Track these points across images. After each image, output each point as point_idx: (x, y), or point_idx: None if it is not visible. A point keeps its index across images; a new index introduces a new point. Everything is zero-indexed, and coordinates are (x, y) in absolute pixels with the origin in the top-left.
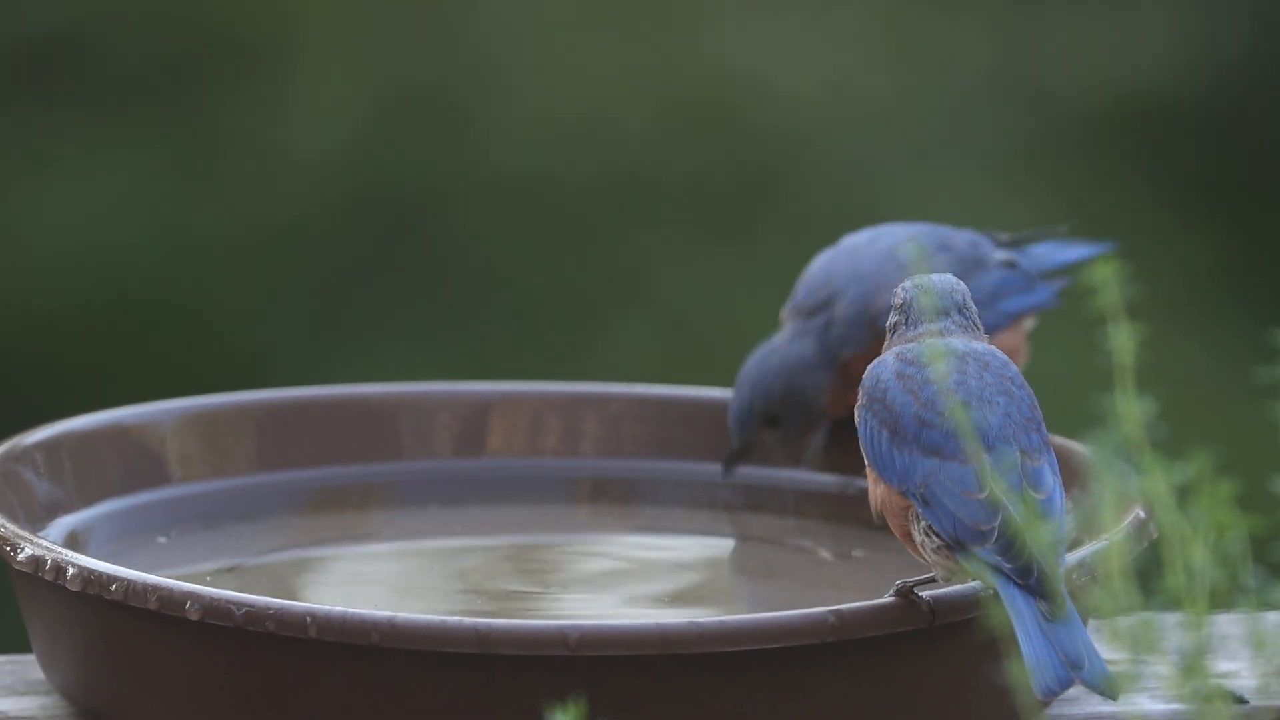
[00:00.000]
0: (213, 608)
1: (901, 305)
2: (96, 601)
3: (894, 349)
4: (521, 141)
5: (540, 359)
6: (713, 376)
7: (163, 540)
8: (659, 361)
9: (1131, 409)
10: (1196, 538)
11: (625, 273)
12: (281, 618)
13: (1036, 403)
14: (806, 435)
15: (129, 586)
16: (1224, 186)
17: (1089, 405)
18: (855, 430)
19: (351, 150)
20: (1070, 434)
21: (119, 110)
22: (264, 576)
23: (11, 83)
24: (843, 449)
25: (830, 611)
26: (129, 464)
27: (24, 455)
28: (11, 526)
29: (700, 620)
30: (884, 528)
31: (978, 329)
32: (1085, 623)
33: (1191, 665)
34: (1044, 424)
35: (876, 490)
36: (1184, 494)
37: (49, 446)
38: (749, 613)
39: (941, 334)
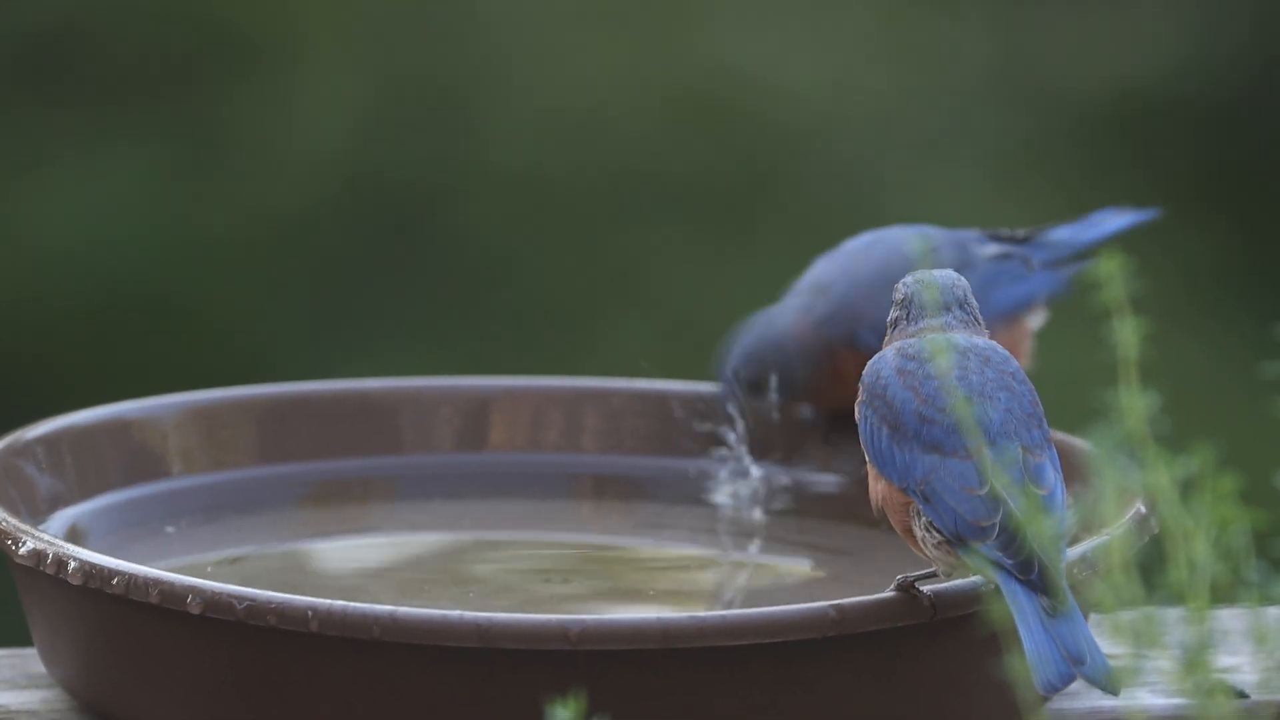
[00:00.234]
0: (214, 602)
1: (903, 300)
2: (98, 595)
3: (895, 344)
4: (522, 138)
5: (541, 355)
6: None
7: (164, 534)
8: (659, 358)
9: (1135, 403)
10: (1198, 532)
11: (626, 269)
12: (283, 612)
13: (1038, 398)
14: (792, 407)
15: (130, 580)
16: (1224, 184)
17: (1090, 400)
18: (853, 424)
19: (352, 147)
20: (1071, 429)
21: (119, 106)
22: (265, 570)
23: (12, 78)
24: (841, 442)
25: (831, 606)
26: (130, 458)
27: (25, 449)
28: (13, 521)
29: (701, 614)
30: (884, 523)
31: (979, 324)
32: (1087, 617)
33: (1193, 660)
34: (1045, 419)
35: (877, 487)
36: (1186, 489)
37: (50, 441)
38: (750, 607)
39: (943, 329)
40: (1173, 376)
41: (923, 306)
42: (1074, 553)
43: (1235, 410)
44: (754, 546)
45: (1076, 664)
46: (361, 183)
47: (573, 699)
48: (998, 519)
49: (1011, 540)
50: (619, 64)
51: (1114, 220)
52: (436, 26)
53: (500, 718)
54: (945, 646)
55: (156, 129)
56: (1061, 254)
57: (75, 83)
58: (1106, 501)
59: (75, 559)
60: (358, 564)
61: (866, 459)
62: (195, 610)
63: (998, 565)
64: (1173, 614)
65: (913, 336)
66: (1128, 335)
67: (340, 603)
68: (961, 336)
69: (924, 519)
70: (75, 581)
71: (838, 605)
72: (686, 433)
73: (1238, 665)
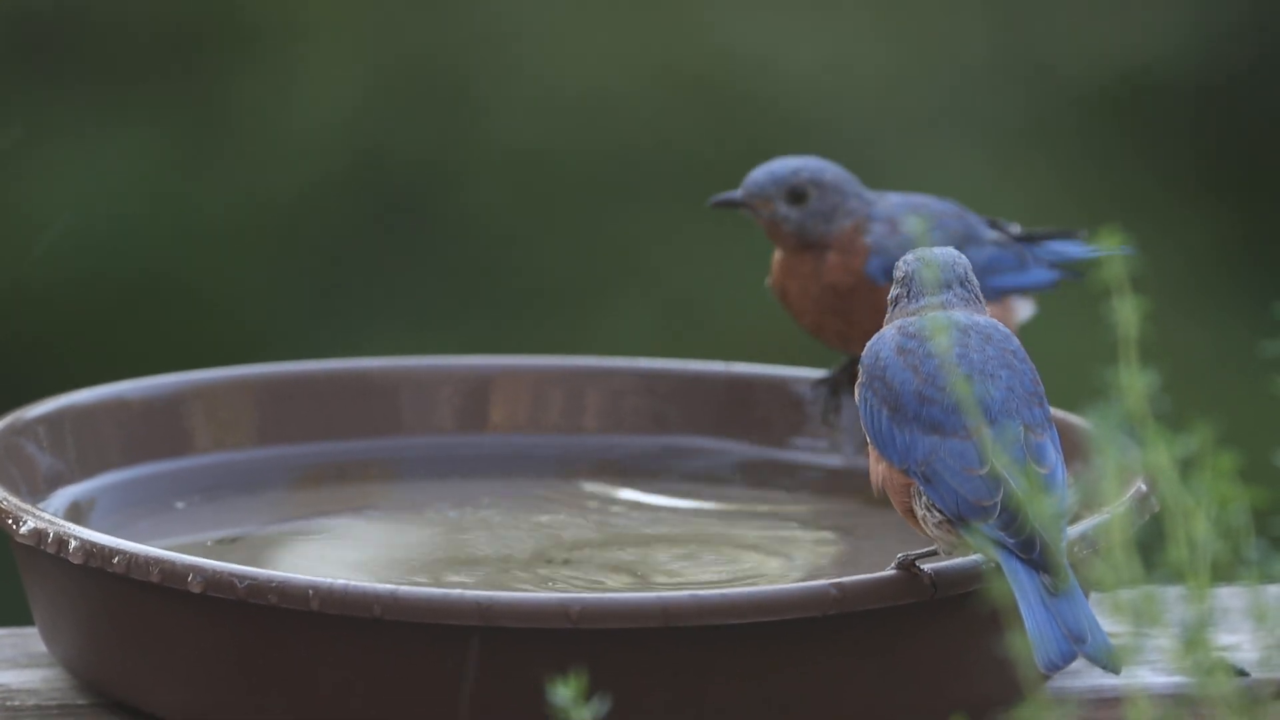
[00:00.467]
0: (215, 580)
1: (903, 278)
2: (99, 574)
3: (895, 322)
4: (524, 119)
5: (542, 334)
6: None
7: (165, 513)
8: (660, 338)
9: (1135, 382)
10: (1198, 511)
11: (627, 249)
12: (284, 590)
13: (1039, 376)
14: (816, 243)
15: (131, 559)
16: (1223, 165)
17: (1090, 379)
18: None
19: (353, 127)
20: (1071, 408)
21: (120, 87)
22: (265, 549)
23: (13, 59)
24: (839, 422)
25: (832, 584)
26: (130, 437)
27: (26, 429)
28: (14, 500)
29: (701, 593)
30: (884, 502)
31: (979, 302)
32: (1088, 596)
33: (1193, 638)
34: (1046, 398)
35: (878, 468)
36: (1186, 467)
37: (51, 420)
38: (750, 585)
39: (943, 307)
40: (1172, 356)
41: (923, 284)
42: (1075, 531)
43: (1235, 389)
44: (754, 525)
45: (1078, 642)
46: (363, 162)
47: (573, 678)
48: (999, 498)
49: (1013, 519)
50: (621, 44)
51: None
52: (438, 6)
53: (501, 696)
54: (946, 625)
55: (157, 109)
56: (1054, 259)
57: (75, 64)
58: (1107, 480)
59: (76, 538)
60: (358, 543)
61: (867, 440)
62: (196, 589)
63: (999, 544)
64: (1173, 592)
65: (913, 314)
66: (1128, 314)
67: (341, 581)
68: (962, 314)
69: (925, 499)
70: (76, 560)
71: (838, 583)
72: (688, 412)
73: (1238, 643)
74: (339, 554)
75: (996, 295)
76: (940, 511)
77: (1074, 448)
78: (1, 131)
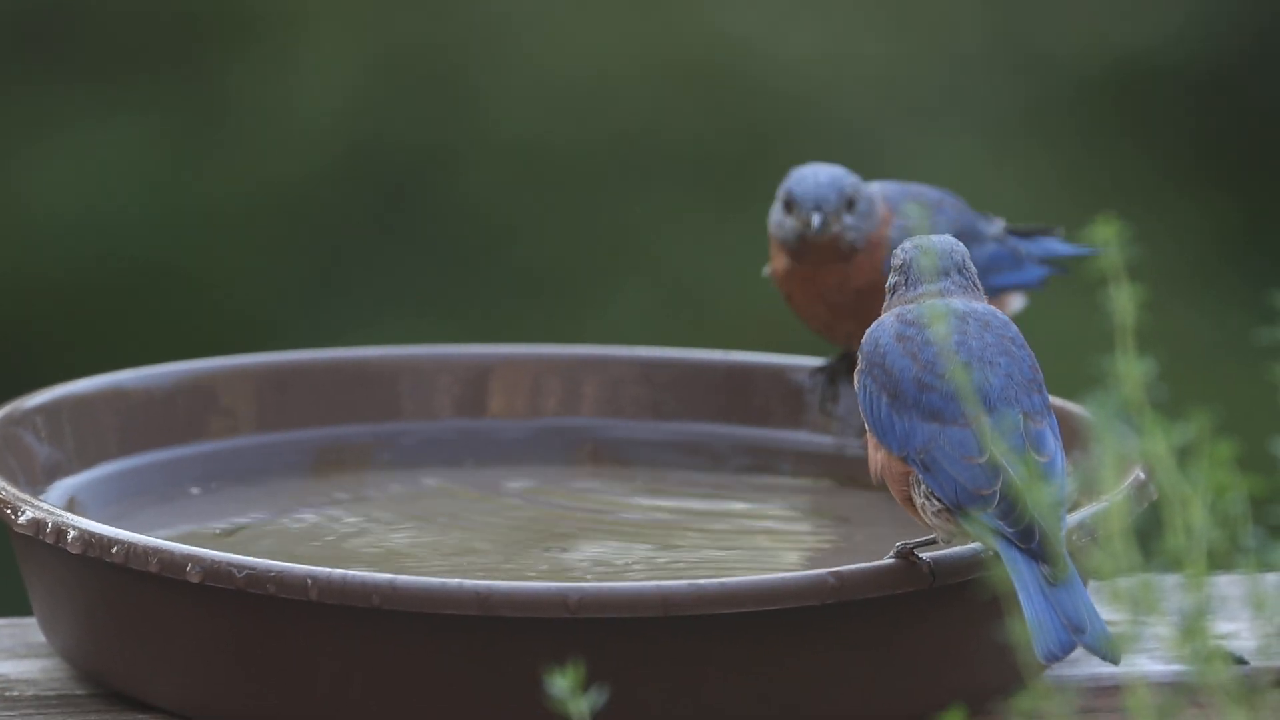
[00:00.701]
0: (213, 570)
1: (901, 266)
2: (97, 564)
3: (894, 310)
4: (522, 105)
5: (541, 322)
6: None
7: (164, 502)
8: (659, 325)
9: (1132, 370)
10: (1196, 499)
11: (626, 237)
12: (282, 580)
13: (1038, 363)
14: (862, 241)
15: (130, 549)
16: (1221, 150)
17: (1088, 366)
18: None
19: (352, 115)
20: (1069, 395)
21: (119, 75)
22: (264, 539)
23: (12, 49)
24: (836, 411)
25: (830, 573)
26: (129, 427)
27: (24, 419)
28: (12, 489)
29: (700, 582)
30: (883, 490)
31: (978, 289)
32: (1086, 585)
33: (1191, 626)
34: (1045, 385)
35: (876, 456)
36: (1184, 455)
37: (49, 410)
38: (749, 574)
39: (941, 294)
40: (1170, 343)
41: (921, 272)
42: (1073, 519)
43: (1233, 377)
44: (753, 513)
45: (1077, 633)
46: (362, 150)
47: (572, 667)
48: (998, 487)
49: (1012, 508)
50: (619, 30)
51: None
52: None
53: (499, 686)
54: (945, 614)
55: (157, 98)
56: (1043, 255)
57: (75, 52)
58: (1105, 468)
59: (74, 528)
60: (358, 532)
61: (866, 428)
62: (194, 579)
63: (998, 533)
64: (1171, 580)
65: (911, 302)
66: (1124, 302)
67: (339, 571)
68: (960, 302)
69: (924, 487)
70: (74, 550)
71: (837, 572)
72: (686, 400)
73: (1236, 631)
74: (337, 543)
75: (994, 293)
76: (939, 500)
77: (1072, 435)
78: (2, 121)
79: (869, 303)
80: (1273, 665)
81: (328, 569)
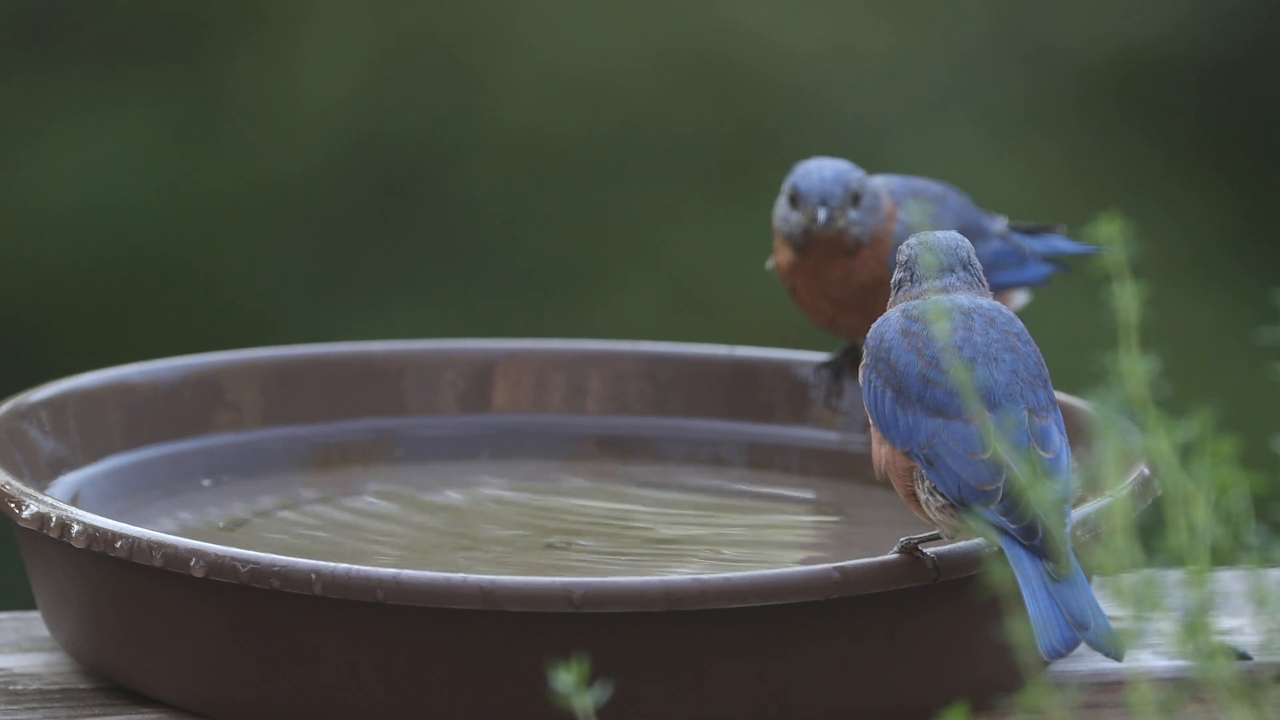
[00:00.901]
0: (218, 565)
1: (906, 262)
2: (101, 559)
3: (899, 306)
4: (527, 98)
5: (545, 316)
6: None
7: (168, 496)
8: (663, 319)
9: (1135, 367)
10: (1199, 496)
11: (630, 229)
12: (286, 575)
13: (1043, 359)
14: (867, 236)
15: (134, 544)
16: (1226, 143)
17: (1091, 362)
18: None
19: (356, 107)
20: (1072, 391)
21: (123, 68)
22: (268, 533)
23: (15, 40)
24: (841, 405)
25: (834, 568)
26: (133, 421)
27: (29, 413)
28: (16, 484)
29: (704, 577)
30: (887, 485)
31: (983, 285)
32: (1090, 581)
33: (1194, 622)
34: (1050, 381)
35: (880, 450)
36: (1187, 452)
37: (54, 404)
38: (753, 569)
39: (946, 290)
40: (1175, 338)
41: (926, 268)
42: (1076, 516)
43: (1237, 369)
44: (756, 508)
45: (1080, 629)
46: (365, 143)
47: (576, 662)
48: (1001, 483)
49: (1015, 505)
50: (623, 23)
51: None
52: None
53: (504, 680)
54: (948, 609)
55: (160, 90)
56: (1047, 252)
57: (78, 45)
58: (1108, 464)
59: (79, 522)
60: (361, 527)
61: (870, 423)
62: (199, 573)
63: (1001, 529)
64: (1174, 576)
65: (916, 298)
66: (1128, 299)
67: (344, 566)
68: (965, 298)
69: (927, 483)
70: (79, 545)
71: (841, 567)
72: (691, 395)
73: (1239, 627)
74: (342, 538)
75: (998, 291)
76: (942, 495)
77: (1075, 431)
78: (4, 113)
79: (873, 298)
80: (1275, 661)
81: (332, 563)
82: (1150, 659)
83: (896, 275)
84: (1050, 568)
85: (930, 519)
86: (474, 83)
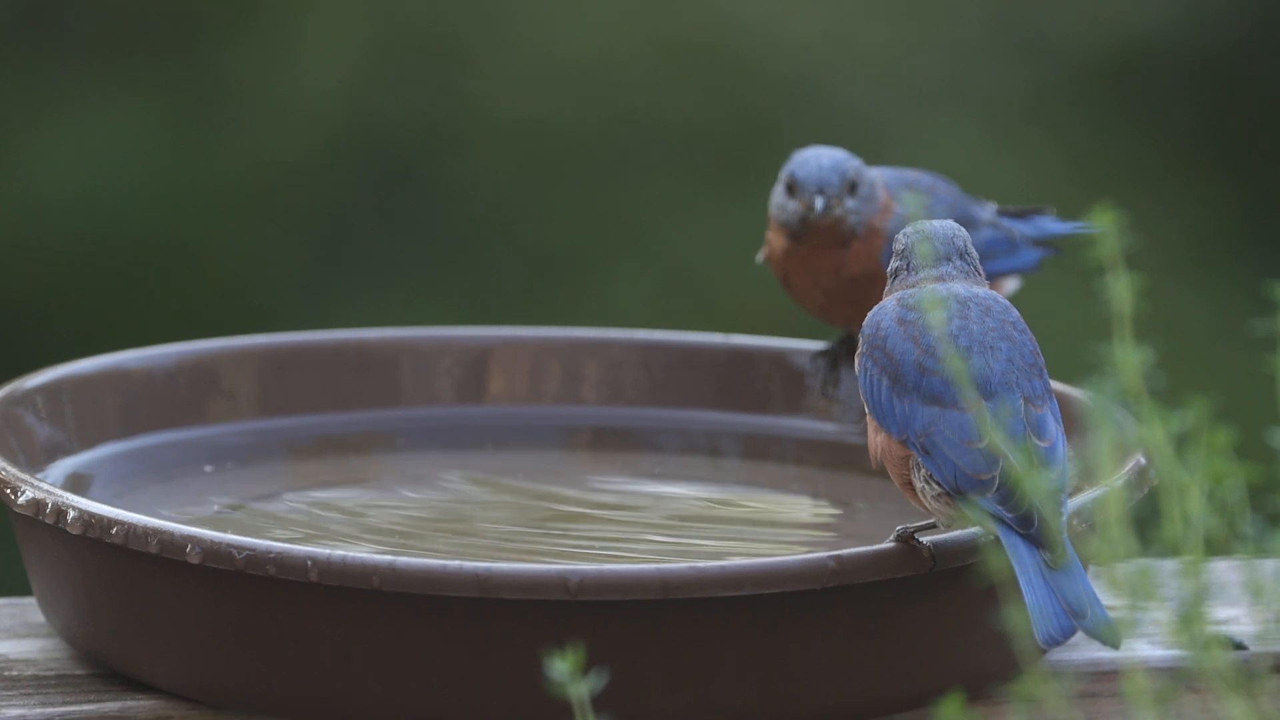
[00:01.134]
0: (213, 551)
1: (902, 251)
2: (97, 545)
3: (895, 294)
4: (523, 87)
5: (540, 305)
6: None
7: (164, 483)
8: (659, 308)
9: (1130, 358)
10: (1195, 486)
11: (626, 219)
12: (282, 561)
13: (1039, 348)
14: (861, 227)
15: (130, 530)
16: (1222, 136)
17: (1086, 352)
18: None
19: (352, 96)
20: (1068, 381)
21: (120, 55)
22: (264, 521)
23: (13, 29)
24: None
25: (830, 556)
26: (129, 408)
27: (25, 399)
28: (12, 470)
29: (700, 565)
30: (883, 474)
31: (979, 274)
32: (1086, 570)
33: (1190, 612)
34: (1046, 370)
35: (876, 439)
36: (1182, 443)
37: (50, 390)
38: (749, 558)
39: (942, 279)
40: (1170, 329)
41: (922, 258)
42: (1072, 505)
43: (1232, 361)
44: (752, 497)
45: (1077, 617)
46: (362, 131)
47: (571, 649)
48: (997, 472)
49: (1011, 493)
50: (620, 13)
51: (1058, 225)
52: None
53: (499, 668)
54: (944, 598)
55: (157, 78)
56: (1038, 235)
57: (76, 33)
58: (1103, 455)
59: (74, 508)
60: (357, 514)
61: (866, 411)
62: (194, 560)
63: (997, 518)
64: (1169, 566)
65: (913, 287)
66: (1122, 291)
67: (339, 552)
68: (962, 286)
69: (923, 471)
70: (74, 531)
71: (837, 556)
72: (687, 384)
73: (1235, 617)
74: (338, 525)
75: (989, 279)
76: (938, 484)
77: (1071, 420)
78: (2, 102)
79: (865, 289)
80: (1271, 651)
81: (328, 550)
82: (1146, 648)
83: (893, 264)
84: (1047, 556)
85: (926, 508)
86: (471, 72)
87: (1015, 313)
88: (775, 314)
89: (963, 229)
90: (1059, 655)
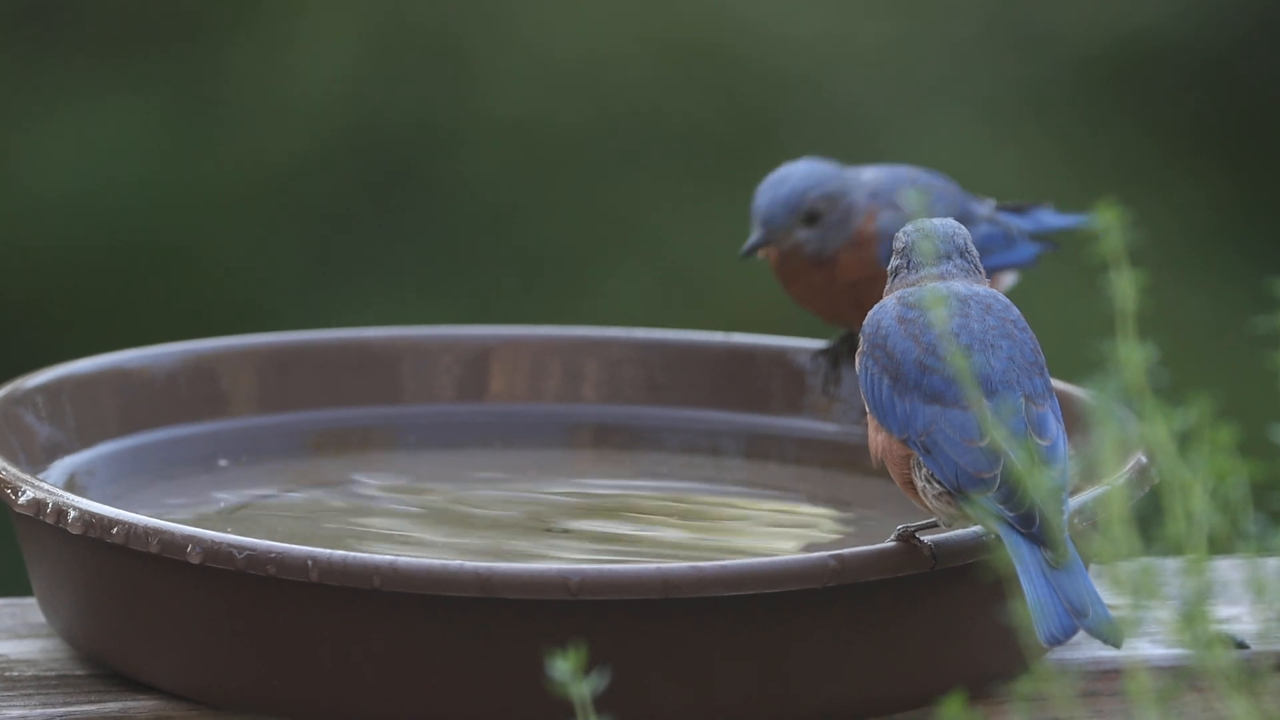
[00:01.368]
0: (214, 551)
1: (903, 249)
2: (97, 545)
3: (896, 293)
4: (522, 85)
5: (540, 303)
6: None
7: (164, 483)
8: (659, 307)
9: (1133, 355)
10: (1197, 484)
11: (625, 216)
12: (283, 561)
13: (1039, 346)
14: (833, 255)
15: (130, 530)
16: (1221, 131)
17: (1088, 349)
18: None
19: (352, 94)
20: (1070, 379)
21: (119, 53)
22: (265, 520)
23: (11, 26)
24: (839, 394)
25: (832, 556)
26: (130, 407)
27: (25, 398)
28: (13, 469)
29: (701, 564)
30: (884, 473)
31: (979, 272)
32: (1088, 569)
33: (1192, 611)
34: (1047, 368)
35: (877, 438)
36: (1184, 440)
37: (50, 389)
38: (750, 557)
39: (943, 277)
40: (1172, 327)
41: (923, 255)
42: (1074, 504)
43: (1233, 357)
44: (753, 496)
45: (1079, 616)
46: (362, 130)
47: (572, 649)
48: (998, 471)
49: (1012, 492)
50: (619, 10)
51: (1056, 219)
52: None
53: (501, 668)
54: (946, 597)
55: (156, 77)
56: (1035, 229)
57: (75, 30)
58: (1106, 452)
59: (75, 508)
60: (358, 514)
61: (867, 410)
62: (195, 560)
63: (999, 517)
64: (1172, 565)
65: (913, 285)
66: (1125, 287)
67: (340, 552)
68: (962, 285)
69: (924, 470)
70: (75, 531)
71: (838, 555)
72: (687, 382)
73: (1237, 615)
74: (338, 525)
75: (987, 274)
76: (939, 483)
77: (1072, 418)
78: (1, 100)
79: (864, 292)
80: (1273, 650)
81: (329, 550)
82: (1148, 647)
83: (893, 262)
84: (1048, 555)
85: (927, 507)
86: (470, 70)
87: (1015, 311)
88: (775, 312)
89: (963, 227)
90: (1060, 654)
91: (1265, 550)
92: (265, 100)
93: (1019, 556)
